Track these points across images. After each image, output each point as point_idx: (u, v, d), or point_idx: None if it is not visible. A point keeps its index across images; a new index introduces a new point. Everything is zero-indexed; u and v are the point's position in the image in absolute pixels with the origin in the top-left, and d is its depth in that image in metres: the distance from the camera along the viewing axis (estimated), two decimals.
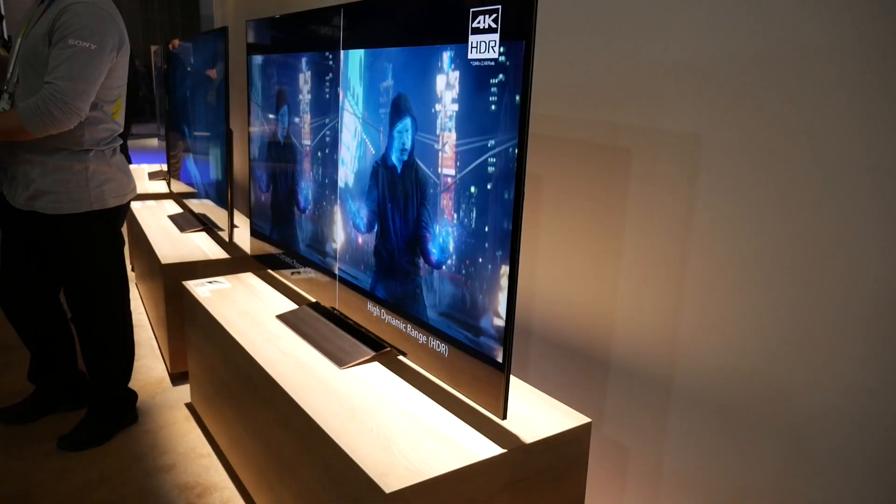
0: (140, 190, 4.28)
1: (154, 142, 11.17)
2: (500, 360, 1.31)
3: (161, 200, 4.00)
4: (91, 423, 2.27)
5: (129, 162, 6.06)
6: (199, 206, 3.35)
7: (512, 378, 1.65)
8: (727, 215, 1.39)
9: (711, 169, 1.42)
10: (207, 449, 2.24)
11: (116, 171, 2.15)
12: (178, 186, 3.88)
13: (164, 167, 4.69)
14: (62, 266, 2.13)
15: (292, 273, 2.18)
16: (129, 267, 4.30)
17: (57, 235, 2.07)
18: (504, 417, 1.33)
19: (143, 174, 5.02)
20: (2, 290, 2.22)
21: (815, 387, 1.26)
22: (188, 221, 3.32)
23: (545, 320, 1.90)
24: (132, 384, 2.65)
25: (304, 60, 1.95)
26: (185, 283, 2.36)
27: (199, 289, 2.29)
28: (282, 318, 2.03)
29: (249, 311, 2.10)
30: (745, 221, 1.36)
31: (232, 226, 2.79)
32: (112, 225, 2.18)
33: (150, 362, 2.93)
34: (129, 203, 2.25)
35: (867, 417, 1.19)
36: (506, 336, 1.29)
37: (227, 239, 2.83)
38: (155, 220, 3.43)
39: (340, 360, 1.72)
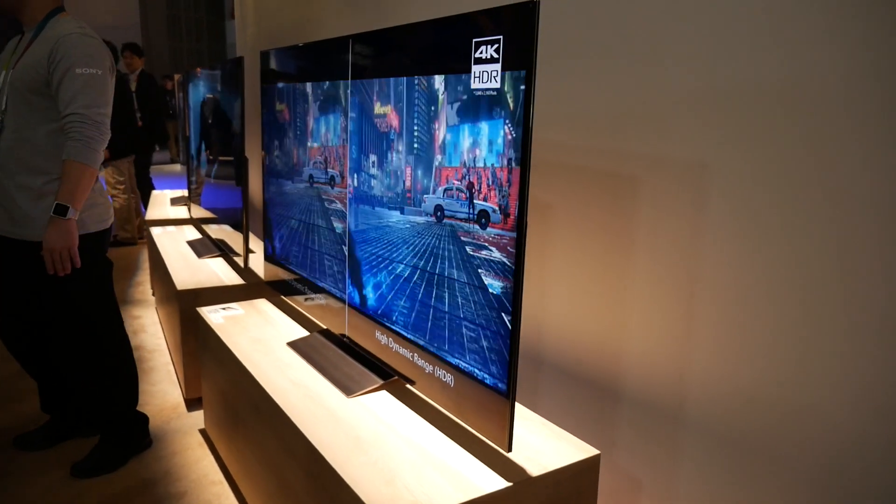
0: (161, 215, 4.36)
1: (177, 167, 11.40)
2: (505, 391, 1.29)
3: (181, 226, 4.05)
4: (103, 449, 2.28)
5: (152, 187, 6.18)
6: (218, 231, 3.38)
7: (521, 408, 1.63)
8: (736, 244, 1.36)
9: (719, 197, 1.40)
10: (219, 476, 2.24)
11: (98, 197, 2.17)
12: (198, 212, 3.93)
13: (186, 193, 4.76)
14: (51, 293, 2.12)
15: (305, 299, 2.18)
16: (150, 291, 4.37)
17: (43, 262, 2.07)
18: (509, 450, 1.30)
19: (165, 200, 5.10)
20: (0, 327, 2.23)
21: (828, 414, 1.22)
22: (206, 247, 3.36)
23: (555, 349, 1.87)
24: (147, 409, 2.67)
25: (314, 89, 1.98)
26: (198, 309, 2.38)
27: (213, 315, 2.30)
28: (292, 345, 2.03)
29: (261, 337, 2.10)
30: (754, 250, 1.33)
31: (247, 252, 2.82)
32: (96, 249, 2.18)
33: (166, 387, 2.95)
34: (111, 227, 2.26)
35: (884, 442, 1.14)
36: (510, 367, 1.27)
37: (242, 265, 2.86)
38: (174, 245, 3.47)
39: (348, 389, 1.71)
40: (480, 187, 1.31)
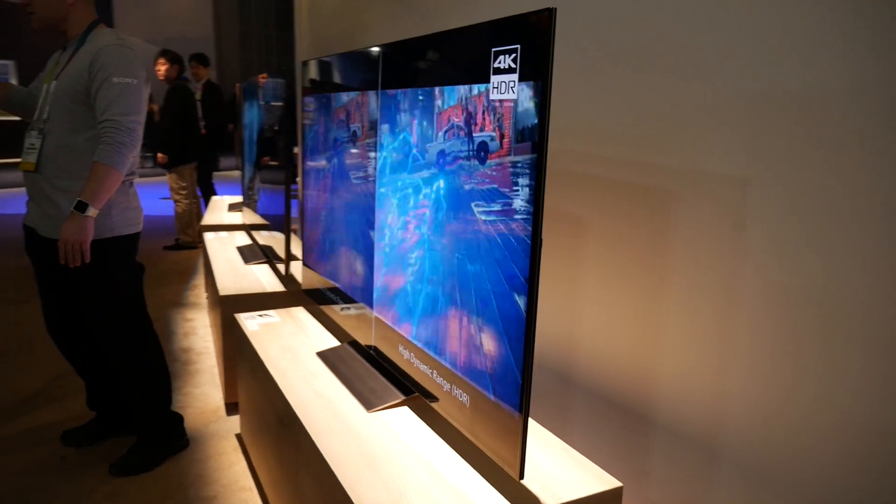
0: (216, 221, 4.47)
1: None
2: (517, 415, 1.23)
3: (234, 232, 4.14)
4: (140, 449, 2.33)
5: (214, 193, 6.37)
6: (268, 238, 3.44)
7: (543, 431, 1.57)
8: (778, 265, 1.27)
9: (760, 216, 1.31)
10: (250, 482, 2.25)
11: (133, 201, 2.26)
12: (251, 218, 4.01)
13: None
14: (83, 292, 2.20)
15: (342, 309, 2.17)
16: (205, 295, 4.49)
17: (83, 262, 2.14)
18: (521, 477, 1.24)
19: (224, 205, 5.24)
20: (48, 324, 2.33)
21: (879, 445, 1.11)
22: (254, 253, 3.42)
23: (586, 369, 1.80)
24: (189, 411, 2.72)
25: (346, 99, 1.97)
26: (236, 315, 2.41)
27: (249, 322, 2.33)
28: (321, 355, 2.02)
29: (292, 346, 2.11)
30: (796, 272, 1.23)
31: (288, 258, 2.84)
32: (128, 252, 2.26)
33: (209, 390, 3.00)
34: (140, 232, 2.32)
35: None
36: (522, 391, 1.22)
37: (283, 272, 2.88)
38: (223, 251, 3.55)
39: (370, 403, 1.69)
40: (499, 202, 1.27)
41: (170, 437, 2.41)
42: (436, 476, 1.37)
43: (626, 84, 1.60)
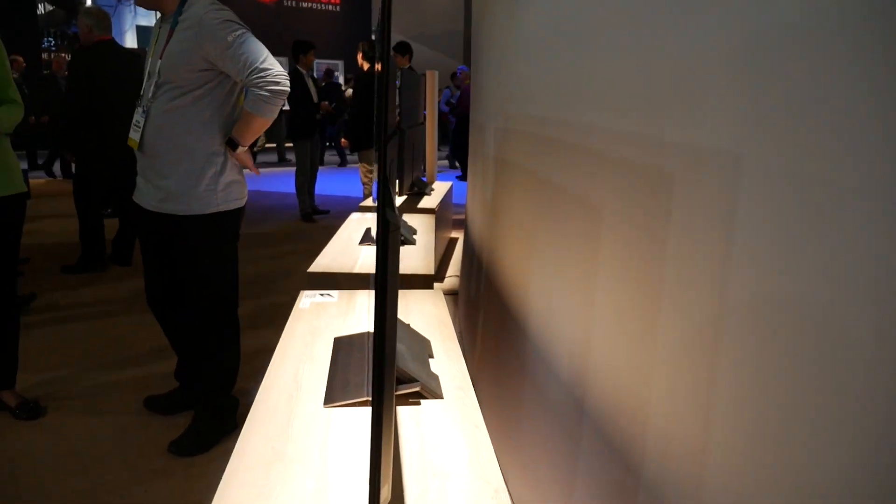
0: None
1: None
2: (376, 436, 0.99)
3: None
4: (194, 429, 2.41)
5: None
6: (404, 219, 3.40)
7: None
8: (769, 268, 0.85)
9: (753, 201, 0.89)
10: None
11: (239, 175, 2.27)
12: (401, 200, 4.02)
13: None
14: (184, 266, 2.27)
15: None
16: None
17: (184, 236, 2.23)
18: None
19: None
20: (148, 295, 2.47)
21: None
22: (373, 235, 3.41)
23: (597, 405, 1.43)
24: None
25: None
26: (302, 291, 2.39)
27: (305, 299, 2.29)
28: (337, 340, 1.91)
29: (321, 328, 2.02)
30: (790, 278, 0.81)
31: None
32: (233, 226, 2.28)
33: None
34: (245, 206, 2.33)
35: None
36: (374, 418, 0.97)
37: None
38: (354, 230, 3.59)
39: (331, 397, 1.53)
40: None
41: (222, 421, 2.46)
42: (317, 491, 1.17)
43: (619, 37, 1.21)
